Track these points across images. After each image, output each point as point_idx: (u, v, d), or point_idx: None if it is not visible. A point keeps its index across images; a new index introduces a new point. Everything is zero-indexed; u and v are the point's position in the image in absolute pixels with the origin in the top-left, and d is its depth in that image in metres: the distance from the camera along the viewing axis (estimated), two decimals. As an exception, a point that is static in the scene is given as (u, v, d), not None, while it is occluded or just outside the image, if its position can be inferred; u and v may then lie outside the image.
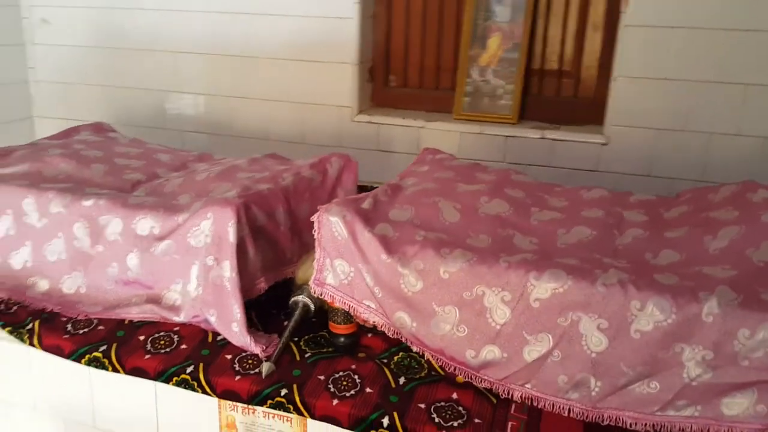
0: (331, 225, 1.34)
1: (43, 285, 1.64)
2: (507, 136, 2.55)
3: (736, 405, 1.14)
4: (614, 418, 1.21)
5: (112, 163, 1.85)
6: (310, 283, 1.38)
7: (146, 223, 1.53)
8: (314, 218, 1.36)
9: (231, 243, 1.42)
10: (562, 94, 2.67)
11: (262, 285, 1.52)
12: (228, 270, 1.42)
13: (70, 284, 1.62)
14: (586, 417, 1.22)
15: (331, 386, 1.33)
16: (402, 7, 2.76)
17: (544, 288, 1.22)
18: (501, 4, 2.58)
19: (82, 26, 3.01)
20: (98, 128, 2.16)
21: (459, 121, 2.63)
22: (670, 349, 1.16)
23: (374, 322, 1.36)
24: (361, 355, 1.43)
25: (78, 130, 2.13)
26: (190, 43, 2.87)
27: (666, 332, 1.15)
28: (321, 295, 1.39)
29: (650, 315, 1.15)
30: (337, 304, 1.38)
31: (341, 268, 1.35)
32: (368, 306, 1.35)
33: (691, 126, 2.32)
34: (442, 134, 2.63)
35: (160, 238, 1.51)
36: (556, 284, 1.21)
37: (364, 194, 1.50)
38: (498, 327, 1.26)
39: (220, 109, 2.90)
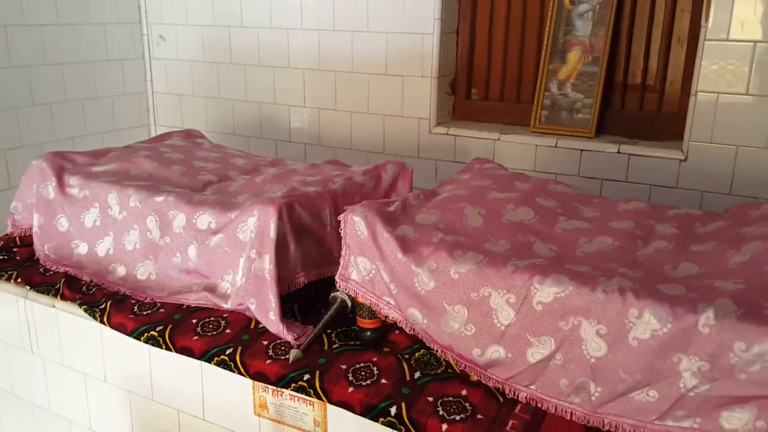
0: (354, 224, 1.43)
1: (121, 271, 1.85)
2: (582, 150, 2.53)
3: (735, 419, 1.11)
4: (614, 424, 1.20)
5: (191, 165, 2.05)
6: (336, 278, 1.48)
7: (205, 219, 1.69)
8: (341, 217, 1.46)
9: (272, 238, 1.55)
10: (645, 108, 2.60)
11: (302, 279, 1.63)
12: (268, 263, 1.55)
13: (143, 271, 1.82)
14: (587, 422, 1.23)
15: (350, 375, 1.42)
16: (485, 23, 2.82)
17: (546, 292, 1.24)
18: (582, 19, 2.57)
19: (193, 43, 3.32)
20: (188, 134, 2.40)
21: (535, 134, 2.64)
22: (668, 358, 1.14)
23: (393, 318, 1.44)
24: (385, 349, 1.51)
25: (170, 136, 2.37)
26: (285, 59, 3.08)
27: (663, 341, 1.14)
28: (345, 290, 1.48)
29: (647, 323, 1.15)
30: (360, 300, 1.47)
31: (363, 265, 1.44)
32: (387, 302, 1.43)
33: (775, 143, 2.20)
34: (518, 147, 2.65)
35: (215, 232, 1.67)
36: (558, 289, 1.23)
37: (394, 198, 1.58)
38: (503, 328, 1.29)
39: (309, 120, 3.09)
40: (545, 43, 2.62)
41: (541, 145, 2.60)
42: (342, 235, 1.46)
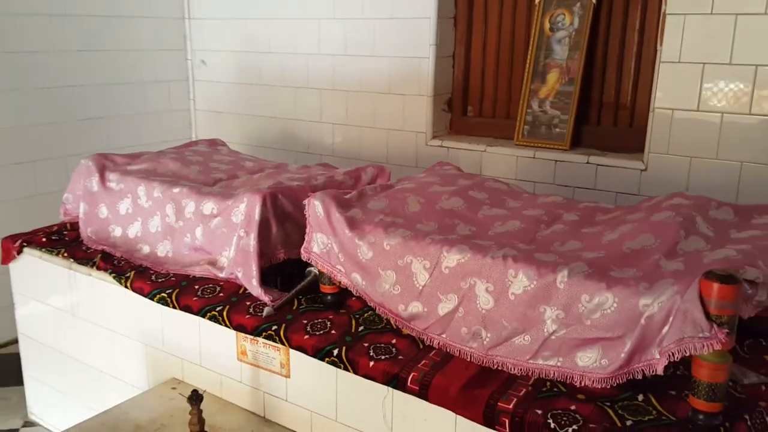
0: (314, 207, 1.80)
1: (146, 249, 2.27)
2: (557, 161, 2.83)
3: (586, 358, 1.41)
4: (501, 364, 1.51)
5: (207, 166, 2.47)
6: (302, 250, 1.85)
7: (209, 206, 2.09)
8: (305, 202, 1.83)
9: (256, 221, 1.93)
10: (618, 124, 2.89)
11: (282, 255, 2.00)
12: (252, 240, 1.93)
13: (162, 249, 2.23)
14: (481, 362, 1.54)
15: (308, 328, 1.77)
16: (479, 48, 3.17)
17: (452, 258, 1.57)
18: (560, 44, 2.88)
19: (229, 67, 3.79)
20: (211, 142, 2.82)
21: (517, 147, 2.95)
22: (536, 308, 1.45)
23: (343, 282, 1.79)
24: (341, 311, 1.86)
25: (197, 143, 2.81)
26: (304, 80, 3.50)
27: (531, 295, 1.45)
28: (308, 260, 1.84)
29: (521, 281, 1.47)
30: (320, 269, 1.83)
31: (321, 240, 1.80)
32: (339, 269, 1.79)
33: (722, 155, 2.45)
34: (501, 158, 2.97)
35: (215, 216, 2.06)
36: (459, 256, 1.56)
37: (357, 190, 1.94)
38: (420, 287, 1.63)
39: (322, 133, 3.49)
40: (527, 65, 2.95)
41: (521, 156, 2.91)
42: (306, 215, 1.82)
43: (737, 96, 2.37)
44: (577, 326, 1.41)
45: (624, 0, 2.75)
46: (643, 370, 1.33)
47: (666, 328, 1.28)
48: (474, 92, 3.23)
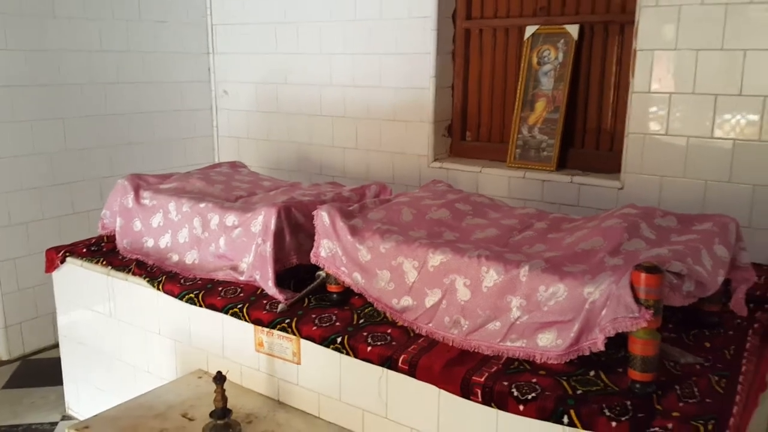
0: (321, 217, 2.11)
1: (175, 258, 2.58)
2: (544, 181, 3.13)
3: (545, 339, 1.69)
4: (476, 347, 1.80)
5: (229, 184, 2.79)
6: (311, 254, 2.15)
7: (231, 218, 2.41)
8: (314, 212, 2.14)
9: (272, 230, 2.24)
10: (600, 147, 3.18)
11: (294, 260, 2.30)
12: (269, 247, 2.24)
13: (190, 257, 2.55)
14: (461, 346, 1.82)
15: (316, 321, 2.07)
16: (475, 80, 3.49)
17: (436, 258, 1.87)
18: (546, 76, 3.20)
19: (249, 96, 4.15)
20: (233, 165, 3.15)
21: (509, 168, 3.25)
22: (504, 298, 1.74)
23: (346, 282, 2.09)
24: (345, 308, 2.15)
25: (220, 165, 3.14)
26: (318, 108, 3.84)
27: (500, 287, 1.74)
28: (316, 263, 2.15)
29: (491, 276, 1.76)
30: (327, 271, 2.13)
31: (327, 245, 2.11)
32: (342, 270, 2.09)
33: (688, 174, 2.73)
34: (495, 178, 3.27)
35: (237, 227, 2.37)
36: (443, 256, 1.86)
37: (359, 203, 2.25)
38: (410, 284, 1.92)
39: (334, 156, 3.82)
40: (517, 95, 3.26)
41: (513, 177, 3.21)
42: (315, 224, 2.13)
43: (700, 121, 2.66)
44: (536, 312, 1.69)
45: (602, 37, 3.06)
46: (589, 347, 1.61)
47: (604, 311, 1.56)
48: (471, 119, 3.55)
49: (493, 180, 3.27)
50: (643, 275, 1.51)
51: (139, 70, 3.89)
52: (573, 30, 3.07)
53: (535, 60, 3.20)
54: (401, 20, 3.41)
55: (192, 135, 4.26)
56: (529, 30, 3.20)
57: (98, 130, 3.73)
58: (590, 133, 3.20)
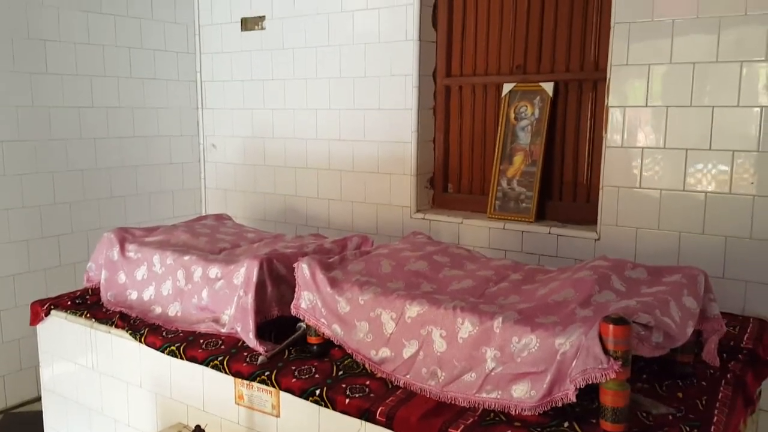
0: (302, 269, 2.15)
1: (158, 310, 2.60)
2: (524, 232, 3.19)
3: (519, 390, 1.72)
4: (453, 398, 1.82)
5: (214, 237, 2.84)
6: (292, 306, 2.19)
7: (214, 270, 2.44)
8: (295, 265, 2.18)
9: (254, 282, 2.28)
10: (577, 199, 3.26)
11: (275, 312, 2.33)
12: (250, 299, 2.27)
13: (173, 309, 2.57)
14: (438, 398, 1.85)
15: (296, 373, 2.09)
16: (456, 134, 3.59)
17: (413, 310, 1.91)
18: (523, 131, 3.30)
19: (236, 149, 4.23)
20: (219, 217, 3.20)
21: (490, 219, 3.32)
22: (479, 349, 1.78)
23: (326, 333, 2.12)
24: (325, 359, 2.18)
25: (205, 217, 3.19)
26: (304, 161, 3.92)
27: (475, 338, 1.78)
28: (297, 315, 2.18)
29: (467, 327, 1.80)
30: (307, 323, 2.16)
31: (308, 297, 2.14)
32: (322, 322, 2.12)
33: (663, 226, 2.80)
34: (476, 229, 3.33)
35: (219, 279, 2.41)
36: (419, 308, 1.90)
37: (339, 255, 2.29)
38: (388, 335, 1.96)
39: (319, 207, 3.88)
40: (496, 149, 3.35)
41: (493, 228, 3.28)
42: (295, 276, 2.17)
43: (672, 175, 2.75)
44: (510, 363, 1.73)
45: (577, 94, 3.18)
46: (561, 398, 1.64)
47: (575, 362, 1.60)
48: (453, 171, 3.63)
49: (474, 231, 3.33)
50: (611, 327, 1.55)
51: (129, 125, 3.97)
52: (548, 87, 3.18)
53: (512, 115, 3.30)
54: (384, 78, 3.53)
55: (180, 187, 4.32)
56: (507, 87, 3.31)
57: (87, 184, 3.79)
58: (567, 186, 3.28)
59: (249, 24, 4.06)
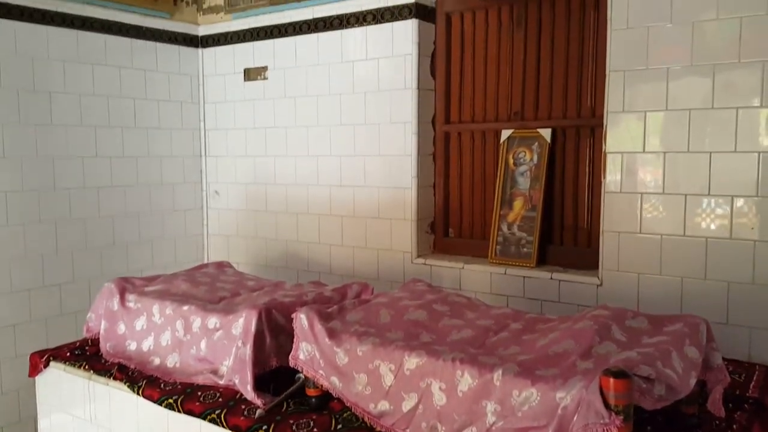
0: (300, 320, 2.14)
1: (157, 361, 2.58)
2: (525, 277, 3.17)
3: (520, 445, 1.69)
4: (453, 453, 1.79)
5: (214, 285, 2.83)
6: (290, 357, 2.17)
7: (213, 320, 2.43)
8: (293, 315, 2.17)
9: (252, 333, 2.27)
10: (578, 244, 3.25)
11: (274, 363, 2.31)
12: (249, 350, 2.26)
13: (171, 361, 2.55)
14: (438, 453, 1.82)
15: (294, 427, 2.06)
16: (456, 179, 3.61)
17: (412, 362, 1.89)
18: (522, 176, 3.31)
19: (239, 196, 4.26)
20: (218, 265, 3.20)
21: (491, 264, 3.31)
22: (479, 403, 1.75)
23: (324, 385, 2.09)
24: (324, 412, 2.15)
25: (206, 266, 3.19)
26: (305, 207, 3.94)
27: (475, 391, 1.75)
28: (295, 366, 2.16)
29: (466, 380, 1.77)
30: (305, 374, 2.14)
31: (306, 348, 2.13)
32: (321, 374, 2.10)
33: (664, 271, 2.78)
34: (477, 274, 3.32)
35: (218, 329, 2.39)
36: (418, 359, 1.88)
37: (338, 305, 2.28)
38: (387, 387, 1.93)
39: (321, 253, 3.88)
40: (496, 194, 3.36)
41: (495, 273, 3.26)
42: (294, 327, 2.16)
43: (672, 220, 2.74)
44: (511, 417, 1.70)
45: (575, 140, 3.20)
46: (563, 453, 1.61)
47: (576, 417, 1.57)
48: (454, 216, 3.64)
49: (475, 276, 3.32)
50: (611, 380, 1.53)
51: (132, 174, 4.00)
52: (546, 133, 3.21)
53: (511, 161, 3.32)
54: (384, 125, 3.56)
55: (183, 234, 4.33)
56: (505, 133, 3.34)
57: (90, 232, 3.80)
58: (568, 230, 3.27)
59: (252, 74, 4.12)
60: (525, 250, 3.26)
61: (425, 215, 3.59)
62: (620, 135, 2.84)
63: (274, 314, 2.35)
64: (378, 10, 3.53)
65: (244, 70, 4.17)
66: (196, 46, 4.34)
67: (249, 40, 4.13)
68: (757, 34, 2.53)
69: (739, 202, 2.60)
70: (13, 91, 3.42)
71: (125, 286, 2.84)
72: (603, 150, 2.89)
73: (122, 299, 2.77)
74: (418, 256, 3.54)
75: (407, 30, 3.46)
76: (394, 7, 3.47)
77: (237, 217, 4.32)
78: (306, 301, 2.49)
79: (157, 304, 2.64)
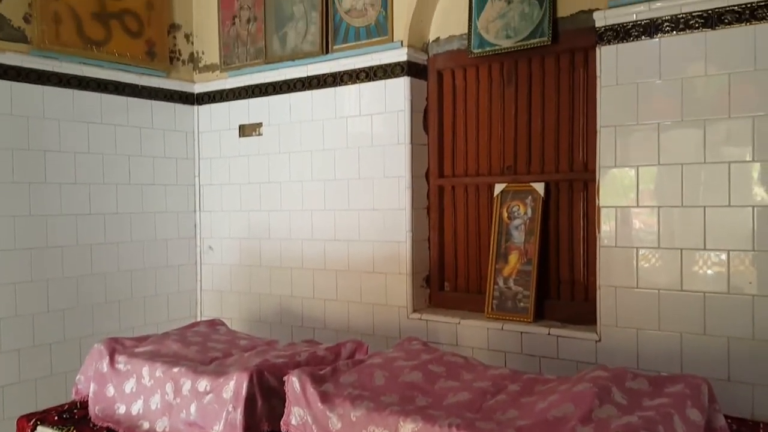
0: (292, 383, 2.09)
1: (146, 425, 2.52)
2: (522, 332, 3.13)
3: None
4: None
5: (205, 345, 2.78)
6: (281, 423, 2.11)
7: (203, 383, 2.38)
8: (285, 378, 2.12)
9: (243, 396, 2.21)
10: (575, 298, 3.22)
11: (265, 428, 2.25)
12: (239, 414, 2.20)
13: (161, 425, 2.48)
14: None
15: (286, 495, 2.00)
16: (450, 234, 3.60)
17: (407, 427, 1.84)
18: (517, 230, 3.30)
19: (232, 251, 4.23)
20: (211, 323, 3.15)
21: (488, 319, 3.27)
22: (475, 471, 1.70)
23: (317, 451, 2.03)
24: (317, 479, 2.08)
25: (198, 324, 3.14)
26: (299, 261, 3.91)
27: (471, 459, 1.70)
28: (287, 432, 2.10)
29: (462, 446, 1.72)
30: (298, 439, 2.08)
31: (298, 413, 2.07)
32: (313, 440, 2.04)
33: (663, 327, 2.75)
34: (474, 329, 3.27)
35: (209, 393, 2.34)
36: (413, 425, 1.83)
37: (332, 366, 2.23)
38: (381, 454, 1.87)
39: (315, 308, 3.83)
40: (491, 248, 3.34)
41: (491, 328, 3.22)
42: (286, 390, 2.11)
43: (669, 275, 2.72)
44: (508, 486, 1.64)
45: (568, 193, 3.20)
46: None
47: (575, 485, 1.52)
48: (449, 269, 3.61)
49: (472, 331, 3.27)
50: (610, 447, 1.48)
51: (126, 230, 3.98)
52: (539, 187, 3.21)
53: (505, 215, 3.32)
54: (377, 179, 3.57)
55: (176, 290, 4.29)
56: (498, 187, 3.34)
57: (82, 290, 3.76)
58: (564, 284, 3.25)
59: (247, 130, 4.15)
60: (522, 304, 3.22)
61: (420, 269, 3.57)
62: (613, 189, 2.84)
63: (266, 376, 2.30)
64: (371, 68, 3.58)
65: (239, 127, 4.20)
66: (192, 103, 4.39)
67: (244, 97, 4.17)
68: (745, 89, 2.56)
69: (736, 257, 2.58)
70: (8, 150, 3.43)
71: (115, 347, 2.79)
72: (597, 204, 2.89)
73: (112, 361, 2.72)
74: (414, 310, 3.50)
75: (400, 87, 3.50)
76: (386, 65, 3.52)
77: (231, 273, 4.28)
78: (299, 362, 2.44)
79: (147, 365, 2.59)
